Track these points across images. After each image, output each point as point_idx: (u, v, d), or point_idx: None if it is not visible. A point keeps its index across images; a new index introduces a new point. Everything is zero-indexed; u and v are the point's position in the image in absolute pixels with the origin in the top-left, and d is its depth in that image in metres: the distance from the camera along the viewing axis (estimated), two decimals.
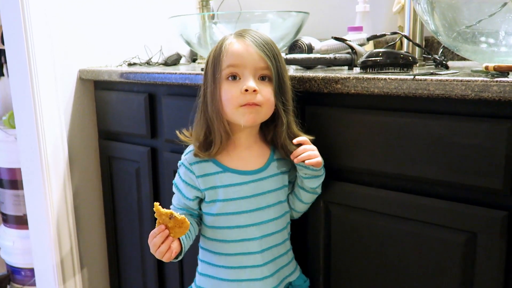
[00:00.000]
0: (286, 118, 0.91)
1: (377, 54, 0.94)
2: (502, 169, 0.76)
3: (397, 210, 0.89)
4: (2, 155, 1.80)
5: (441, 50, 1.11)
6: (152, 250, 0.85)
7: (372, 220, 0.93)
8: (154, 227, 0.85)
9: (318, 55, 1.10)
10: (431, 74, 0.83)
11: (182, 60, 1.63)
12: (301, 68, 1.13)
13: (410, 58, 0.94)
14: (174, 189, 0.99)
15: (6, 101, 2.12)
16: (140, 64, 1.55)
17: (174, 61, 1.54)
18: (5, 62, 1.95)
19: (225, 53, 0.88)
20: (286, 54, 1.23)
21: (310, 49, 1.20)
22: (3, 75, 2.16)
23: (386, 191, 0.90)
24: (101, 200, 1.60)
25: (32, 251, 1.56)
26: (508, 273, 0.79)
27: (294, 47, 1.23)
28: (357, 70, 1.02)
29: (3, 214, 1.86)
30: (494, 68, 0.75)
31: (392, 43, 1.18)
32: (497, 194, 0.78)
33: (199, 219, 0.99)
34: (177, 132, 0.98)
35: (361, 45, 1.15)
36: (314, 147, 0.93)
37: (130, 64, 1.54)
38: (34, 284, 1.75)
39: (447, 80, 0.77)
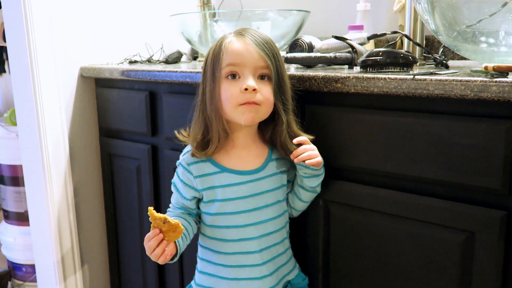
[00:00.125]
0: (286, 117, 0.91)
1: (377, 54, 0.94)
2: (500, 169, 0.76)
3: (396, 209, 0.89)
4: (4, 152, 1.80)
5: (442, 49, 1.11)
6: (147, 253, 0.86)
7: (371, 219, 0.93)
8: None
9: (319, 54, 1.10)
10: (431, 74, 0.83)
11: (183, 58, 1.63)
12: (302, 66, 1.13)
13: (410, 57, 0.94)
14: (172, 189, 0.99)
15: (7, 98, 2.13)
16: (141, 62, 1.56)
17: (175, 59, 1.54)
18: (7, 58, 1.96)
19: (225, 51, 0.88)
20: (287, 52, 1.23)
21: (310, 48, 1.20)
22: (4, 71, 2.16)
23: (385, 190, 0.90)
24: (102, 197, 1.61)
25: (33, 247, 1.57)
26: (506, 273, 0.79)
27: (294, 45, 1.23)
28: (357, 69, 1.02)
29: (5, 211, 1.87)
30: (494, 69, 0.75)
31: (393, 42, 1.18)
32: (496, 194, 0.78)
33: (197, 217, 0.99)
34: (175, 132, 0.98)
35: (361, 44, 1.15)
36: (314, 147, 0.93)
37: (131, 62, 1.54)
38: (35, 280, 1.77)
39: (446, 80, 0.77)
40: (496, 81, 0.72)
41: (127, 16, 1.62)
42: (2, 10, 1.48)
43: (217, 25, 1.38)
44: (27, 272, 1.85)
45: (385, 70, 0.94)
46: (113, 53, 1.59)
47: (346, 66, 1.11)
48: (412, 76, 0.81)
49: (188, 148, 0.97)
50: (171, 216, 0.96)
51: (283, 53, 1.21)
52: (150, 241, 0.84)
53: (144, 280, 1.48)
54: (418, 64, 1.15)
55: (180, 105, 1.24)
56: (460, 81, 0.75)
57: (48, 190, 1.45)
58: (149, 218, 0.84)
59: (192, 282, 1.02)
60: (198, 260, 1.01)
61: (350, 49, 1.09)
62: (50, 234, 1.47)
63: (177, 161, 0.97)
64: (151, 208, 0.83)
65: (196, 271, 1.01)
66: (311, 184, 0.95)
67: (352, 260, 0.97)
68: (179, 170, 0.97)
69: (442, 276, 0.85)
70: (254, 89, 0.87)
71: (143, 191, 1.41)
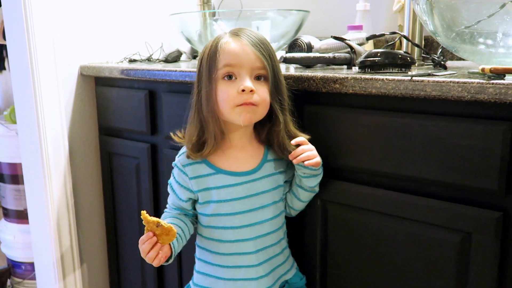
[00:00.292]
0: (283, 117, 0.91)
1: (375, 54, 0.95)
2: (497, 170, 0.77)
3: (393, 209, 0.89)
4: (3, 150, 1.81)
5: (440, 50, 1.11)
6: (142, 255, 0.86)
7: (368, 219, 0.94)
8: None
9: (317, 54, 1.11)
10: (428, 75, 0.83)
11: (183, 57, 1.64)
12: (301, 66, 1.14)
13: (408, 58, 0.95)
14: (169, 190, 0.99)
15: (7, 95, 2.13)
16: (141, 61, 1.56)
17: (174, 58, 1.54)
18: (7, 56, 1.96)
19: (221, 52, 0.88)
20: (286, 52, 1.24)
21: (309, 48, 1.20)
22: (4, 69, 2.16)
23: (382, 190, 0.91)
24: (101, 195, 1.61)
25: (32, 245, 1.57)
26: (502, 273, 0.80)
27: (293, 45, 1.23)
28: (356, 69, 1.02)
29: (4, 209, 1.87)
30: (490, 70, 0.75)
31: (391, 43, 1.18)
32: (492, 194, 0.79)
33: (194, 218, 1.00)
34: (171, 133, 0.98)
35: (360, 44, 1.16)
36: (313, 147, 0.93)
37: (130, 61, 1.54)
38: (34, 278, 1.77)
39: (443, 82, 0.77)
40: (492, 83, 0.72)
41: (127, 15, 1.62)
42: (2, 8, 1.48)
43: (217, 24, 1.38)
44: (27, 270, 1.85)
45: (384, 71, 0.94)
46: (113, 52, 1.59)
47: (345, 66, 1.11)
48: (409, 77, 0.81)
49: (183, 149, 0.97)
50: (168, 217, 0.97)
51: (282, 53, 1.21)
52: (144, 244, 0.85)
53: (143, 279, 1.49)
54: (416, 64, 1.15)
55: (179, 104, 1.24)
56: (457, 82, 0.76)
57: (48, 188, 1.46)
58: (143, 222, 0.84)
59: (191, 282, 1.02)
60: (196, 260, 1.01)
61: (349, 50, 1.10)
62: (49, 232, 1.48)
63: (173, 162, 0.97)
64: (144, 212, 0.84)
65: (194, 271, 1.02)
66: (309, 184, 0.95)
67: (350, 260, 0.98)
68: (175, 171, 0.97)
69: (439, 276, 0.86)
70: (251, 90, 0.87)
71: (142, 189, 1.42)
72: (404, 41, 1.21)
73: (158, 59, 1.58)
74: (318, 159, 0.92)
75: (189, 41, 1.41)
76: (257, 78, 0.90)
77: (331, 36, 1.14)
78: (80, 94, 1.53)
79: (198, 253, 1.00)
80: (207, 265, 0.97)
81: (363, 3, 1.38)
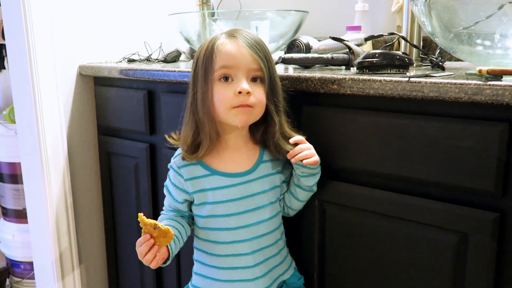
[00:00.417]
0: (278, 118, 0.91)
1: (373, 55, 0.95)
2: (494, 171, 0.77)
3: (390, 210, 0.90)
4: (3, 150, 1.81)
5: (438, 50, 1.11)
6: (139, 257, 0.86)
7: (366, 220, 0.94)
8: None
9: (316, 55, 1.11)
10: (426, 76, 0.83)
11: (182, 57, 1.64)
12: (299, 67, 1.14)
13: (406, 59, 0.95)
14: (165, 192, 1.00)
15: (7, 94, 2.13)
16: (140, 61, 1.56)
17: (173, 58, 1.55)
18: (7, 55, 1.96)
19: (218, 53, 0.87)
20: (285, 53, 1.24)
21: (308, 49, 1.20)
22: (4, 68, 2.16)
23: (380, 191, 0.91)
24: (100, 195, 1.61)
25: (31, 245, 1.57)
26: (499, 274, 0.80)
27: (292, 46, 1.24)
28: (354, 70, 1.03)
29: (3, 208, 1.87)
30: (488, 72, 0.76)
31: (390, 43, 1.19)
32: (489, 195, 0.79)
33: (191, 220, 1.00)
34: (166, 136, 0.98)
35: (359, 45, 1.16)
36: (311, 146, 0.93)
37: (130, 61, 1.55)
38: (33, 278, 1.77)
39: (441, 83, 0.78)
40: (490, 84, 0.73)
41: (126, 15, 1.62)
42: (1, 8, 1.48)
43: (216, 24, 1.38)
44: (26, 269, 1.85)
45: (382, 72, 0.94)
46: (112, 52, 1.59)
47: (343, 67, 1.11)
48: (407, 79, 0.81)
49: (179, 150, 0.97)
50: (164, 219, 0.98)
51: (281, 53, 1.22)
52: (141, 247, 0.85)
53: (141, 279, 1.49)
54: (414, 65, 1.16)
55: (178, 104, 1.24)
56: (455, 84, 0.76)
57: (47, 188, 1.46)
58: (140, 224, 0.85)
59: (189, 283, 1.02)
60: (194, 261, 1.01)
61: (347, 50, 1.10)
62: (48, 232, 1.48)
63: (168, 164, 0.98)
64: (141, 214, 0.84)
65: (192, 273, 1.02)
66: (308, 183, 0.96)
67: (347, 260, 0.98)
68: (170, 173, 0.97)
69: (436, 277, 0.86)
70: (248, 92, 0.87)
71: (141, 189, 1.42)
72: (403, 42, 1.21)
73: (157, 59, 1.58)
74: (316, 157, 0.92)
75: (188, 41, 1.41)
76: (253, 79, 0.89)
77: (330, 37, 1.14)
78: (79, 94, 1.53)
79: (196, 254, 1.00)
80: (204, 266, 0.97)
81: (362, 4, 1.38)
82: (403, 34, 1.19)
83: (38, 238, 1.53)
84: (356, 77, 0.88)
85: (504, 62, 0.87)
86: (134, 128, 1.40)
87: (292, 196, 0.99)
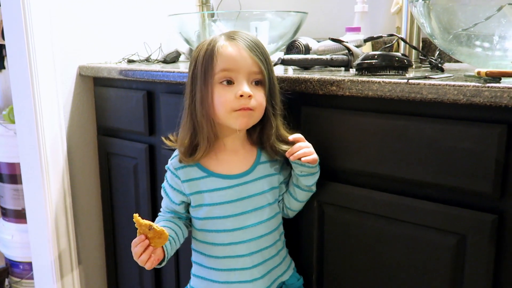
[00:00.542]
0: (275, 121, 0.92)
1: (372, 57, 0.95)
2: (492, 173, 0.77)
3: (389, 211, 0.90)
4: (2, 150, 1.81)
5: (438, 52, 1.11)
6: (134, 258, 0.86)
7: (364, 221, 0.94)
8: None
9: (315, 56, 1.11)
10: (425, 77, 0.83)
11: (182, 58, 1.64)
12: (298, 68, 1.14)
13: (405, 61, 0.95)
14: (162, 193, 1.00)
15: (7, 94, 2.12)
16: (140, 61, 1.56)
17: (173, 58, 1.55)
18: (6, 55, 1.96)
19: (219, 56, 0.87)
20: (284, 54, 1.24)
21: (307, 50, 1.20)
22: (4, 68, 2.16)
23: (378, 192, 0.91)
24: (99, 195, 1.61)
25: (30, 245, 1.57)
26: (497, 275, 0.80)
27: (291, 47, 1.24)
28: (353, 71, 1.03)
29: (2, 208, 1.87)
30: (486, 74, 0.76)
31: (389, 45, 1.19)
32: (487, 197, 0.79)
33: (188, 221, 1.00)
34: (163, 138, 0.98)
35: (358, 46, 1.16)
36: (309, 144, 0.93)
37: (129, 61, 1.55)
38: (32, 278, 1.77)
39: (439, 85, 0.78)
40: (488, 86, 0.73)
41: (126, 15, 1.62)
42: (1, 8, 1.48)
43: (215, 25, 1.38)
44: (25, 269, 1.85)
45: (381, 73, 0.94)
46: (112, 52, 1.59)
47: (343, 68, 1.11)
48: (406, 80, 0.82)
49: (176, 152, 0.97)
50: (162, 220, 0.98)
51: (280, 54, 1.22)
52: (136, 247, 0.85)
53: (140, 280, 1.49)
54: (413, 67, 1.16)
55: (177, 105, 1.24)
56: (453, 85, 0.76)
57: (46, 188, 1.46)
58: (135, 225, 0.85)
59: (188, 285, 1.02)
60: (192, 263, 1.01)
61: (346, 51, 1.10)
62: (47, 232, 1.48)
63: (166, 166, 0.98)
64: (136, 215, 0.85)
65: (191, 274, 1.02)
66: (307, 183, 0.96)
67: (346, 261, 0.98)
68: (168, 174, 0.97)
69: (434, 278, 0.86)
70: (249, 96, 0.87)
71: (140, 190, 1.42)
72: (402, 43, 1.21)
73: (156, 60, 1.58)
74: (315, 156, 0.92)
75: (187, 41, 1.42)
76: (254, 82, 0.89)
77: (329, 38, 1.14)
78: (78, 94, 1.53)
79: (194, 256, 1.00)
80: (202, 268, 0.97)
81: (361, 5, 1.38)
82: (403, 35, 1.19)
83: (37, 238, 1.53)
84: (355, 78, 0.88)
85: (503, 64, 0.87)
86: (133, 129, 1.40)
87: (291, 197, 0.99)
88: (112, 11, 1.58)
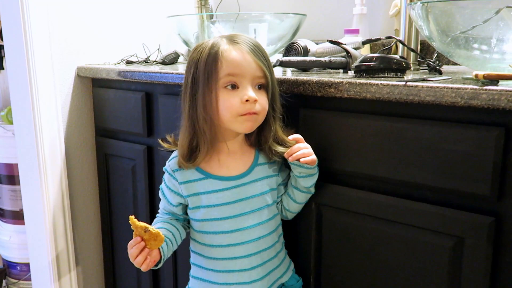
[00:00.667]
0: (274, 124, 0.92)
1: (370, 59, 0.95)
2: (489, 175, 0.77)
3: (387, 213, 0.90)
4: (0, 151, 1.81)
5: (436, 54, 1.12)
6: (130, 259, 0.86)
7: (362, 223, 0.94)
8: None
9: (314, 58, 1.11)
10: (423, 80, 0.84)
11: (180, 59, 1.64)
12: (297, 70, 1.14)
13: (403, 63, 0.95)
14: (160, 195, 1.00)
15: (6, 95, 2.12)
16: (138, 63, 1.56)
17: (172, 59, 1.55)
18: (5, 56, 1.96)
19: (223, 61, 0.86)
20: (283, 55, 1.24)
21: (305, 52, 1.20)
22: (3, 68, 2.16)
23: (376, 194, 0.91)
24: (97, 197, 1.61)
25: (28, 246, 1.57)
26: (494, 278, 0.80)
27: (290, 49, 1.24)
28: (352, 73, 1.03)
29: (0, 209, 1.87)
30: (484, 76, 0.76)
31: (387, 47, 1.19)
32: (485, 199, 0.79)
33: (186, 223, 1.00)
34: (160, 140, 0.98)
35: (356, 48, 1.16)
36: (308, 145, 0.93)
37: (128, 62, 1.55)
38: (29, 279, 1.77)
39: (437, 87, 0.78)
40: (486, 89, 0.73)
41: (125, 17, 1.62)
42: None
43: (214, 26, 1.39)
44: (22, 270, 1.85)
45: (379, 75, 0.94)
46: (110, 53, 1.59)
47: (341, 70, 1.11)
48: (404, 83, 0.82)
49: (174, 153, 0.97)
50: (159, 221, 0.98)
51: (278, 56, 1.22)
52: (132, 249, 0.86)
53: (138, 282, 1.49)
54: (412, 69, 1.16)
55: (176, 107, 1.24)
56: (451, 88, 0.76)
57: (44, 189, 1.46)
58: (131, 226, 0.85)
59: (187, 287, 1.02)
60: (191, 265, 1.01)
61: (345, 53, 1.10)
62: (45, 233, 1.48)
63: (164, 167, 0.98)
64: (132, 217, 0.85)
65: (190, 276, 1.02)
66: (305, 184, 0.96)
67: (344, 263, 0.98)
68: (165, 176, 0.97)
69: (432, 280, 0.86)
70: (255, 100, 0.87)
71: (138, 191, 1.42)
72: (400, 45, 1.21)
73: (155, 61, 1.58)
74: (313, 156, 0.92)
75: (186, 43, 1.42)
76: (257, 86, 0.90)
77: (328, 40, 1.14)
78: (77, 95, 1.53)
79: (192, 258, 1.00)
80: (201, 269, 0.97)
81: (360, 7, 1.39)
82: (401, 37, 1.19)
83: (35, 239, 1.52)
84: (353, 80, 0.88)
85: (501, 67, 0.87)
86: (131, 130, 1.40)
87: (289, 198, 0.99)
88: (111, 12, 1.58)
